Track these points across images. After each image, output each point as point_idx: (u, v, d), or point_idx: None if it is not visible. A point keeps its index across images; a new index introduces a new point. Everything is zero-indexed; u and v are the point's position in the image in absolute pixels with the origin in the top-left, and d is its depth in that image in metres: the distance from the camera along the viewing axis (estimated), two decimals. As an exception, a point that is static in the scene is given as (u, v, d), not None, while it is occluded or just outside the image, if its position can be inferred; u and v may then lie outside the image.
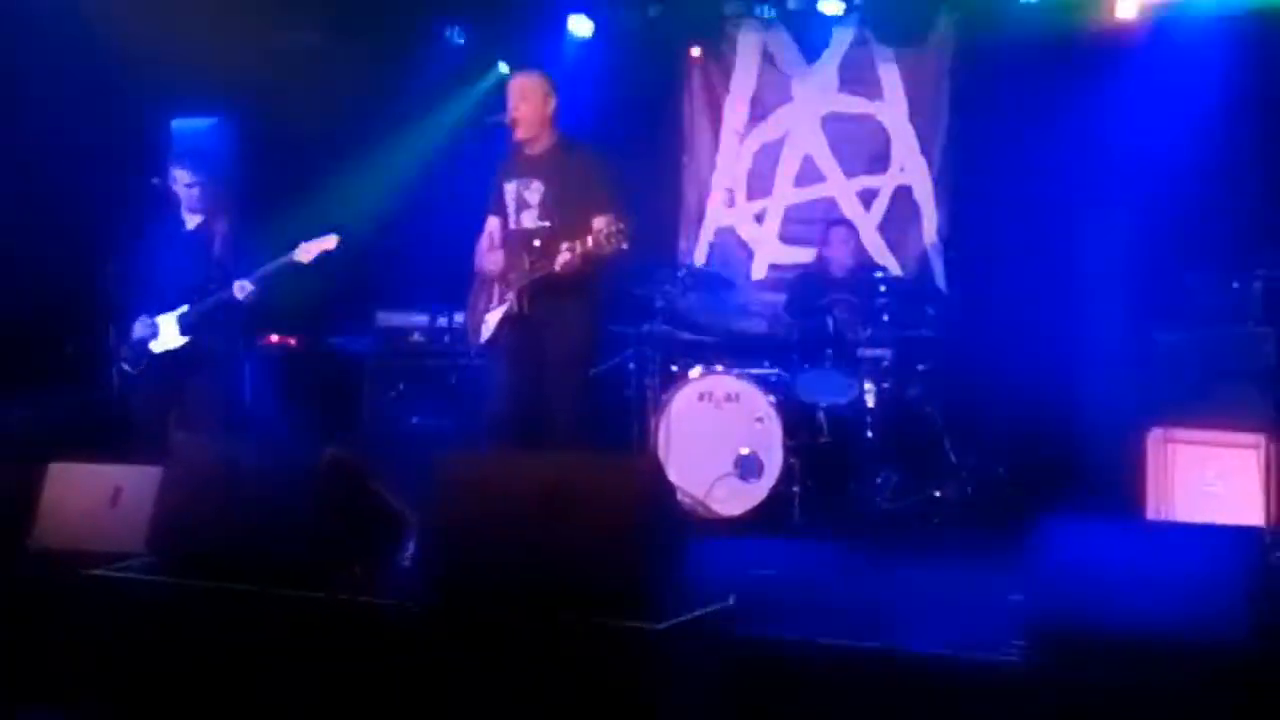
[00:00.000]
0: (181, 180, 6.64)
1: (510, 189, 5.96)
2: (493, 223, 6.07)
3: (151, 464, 5.25)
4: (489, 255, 6.00)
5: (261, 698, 4.51)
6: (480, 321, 6.04)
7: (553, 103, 5.94)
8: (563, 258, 5.64)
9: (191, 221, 6.71)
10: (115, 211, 6.61)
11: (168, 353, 6.59)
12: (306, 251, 6.51)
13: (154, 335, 6.59)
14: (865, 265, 7.72)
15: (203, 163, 6.78)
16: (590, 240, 5.57)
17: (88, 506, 5.41)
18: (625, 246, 5.56)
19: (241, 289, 6.46)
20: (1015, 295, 7.39)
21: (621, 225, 5.56)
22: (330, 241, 6.51)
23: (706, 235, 8.65)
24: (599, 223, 5.59)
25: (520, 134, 5.91)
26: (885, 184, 8.24)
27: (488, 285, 6.03)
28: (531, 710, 4.17)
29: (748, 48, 8.50)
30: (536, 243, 5.80)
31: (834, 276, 7.55)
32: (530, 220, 5.88)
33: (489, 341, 6.00)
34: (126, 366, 6.63)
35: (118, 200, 6.61)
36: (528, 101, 5.89)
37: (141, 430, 6.49)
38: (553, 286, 5.75)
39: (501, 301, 5.96)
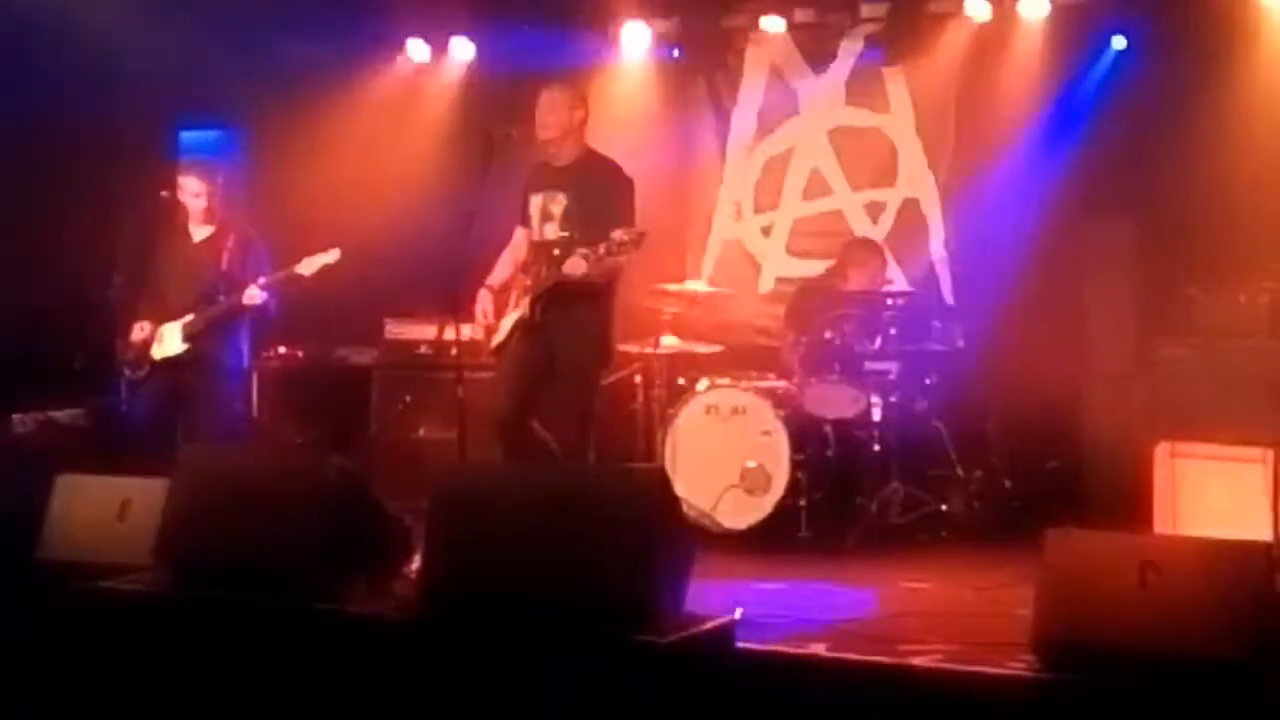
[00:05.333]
0: (189, 190, 6.67)
1: (536, 201, 6.07)
2: (519, 234, 6.17)
3: (158, 476, 5.26)
4: (503, 268, 6.09)
5: (267, 710, 4.51)
6: (496, 329, 6.14)
7: (579, 115, 6.07)
8: (571, 262, 5.72)
9: (200, 234, 6.73)
10: (123, 224, 6.61)
11: (169, 359, 6.61)
12: (309, 265, 6.55)
13: (155, 341, 6.61)
14: (880, 284, 7.70)
15: (210, 174, 6.80)
16: (602, 248, 5.64)
17: (95, 518, 5.41)
18: (627, 255, 5.64)
19: (251, 296, 6.50)
20: (1022, 308, 7.39)
21: (631, 234, 5.62)
22: (332, 256, 6.55)
23: (713, 248, 8.65)
24: (616, 235, 5.68)
25: (541, 138, 6.00)
26: (892, 197, 8.23)
27: (506, 295, 6.12)
28: (537, 724, 4.17)
29: (755, 61, 8.50)
30: (556, 252, 5.89)
31: (844, 291, 7.50)
32: (552, 231, 5.98)
33: (499, 347, 6.07)
34: (128, 371, 6.64)
35: (125, 213, 6.62)
36: (553, 113, 6.00)
37: (143, 436, 6.51)
38: (566, 296, 5.83)
39: (516, 307, 6.03)
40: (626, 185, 6.02)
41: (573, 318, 5.87)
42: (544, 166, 6.10)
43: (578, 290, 5.81)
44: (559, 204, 5.98)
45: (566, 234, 5.89)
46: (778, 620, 4.88)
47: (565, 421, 5.94)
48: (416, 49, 8.79)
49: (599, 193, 5.92)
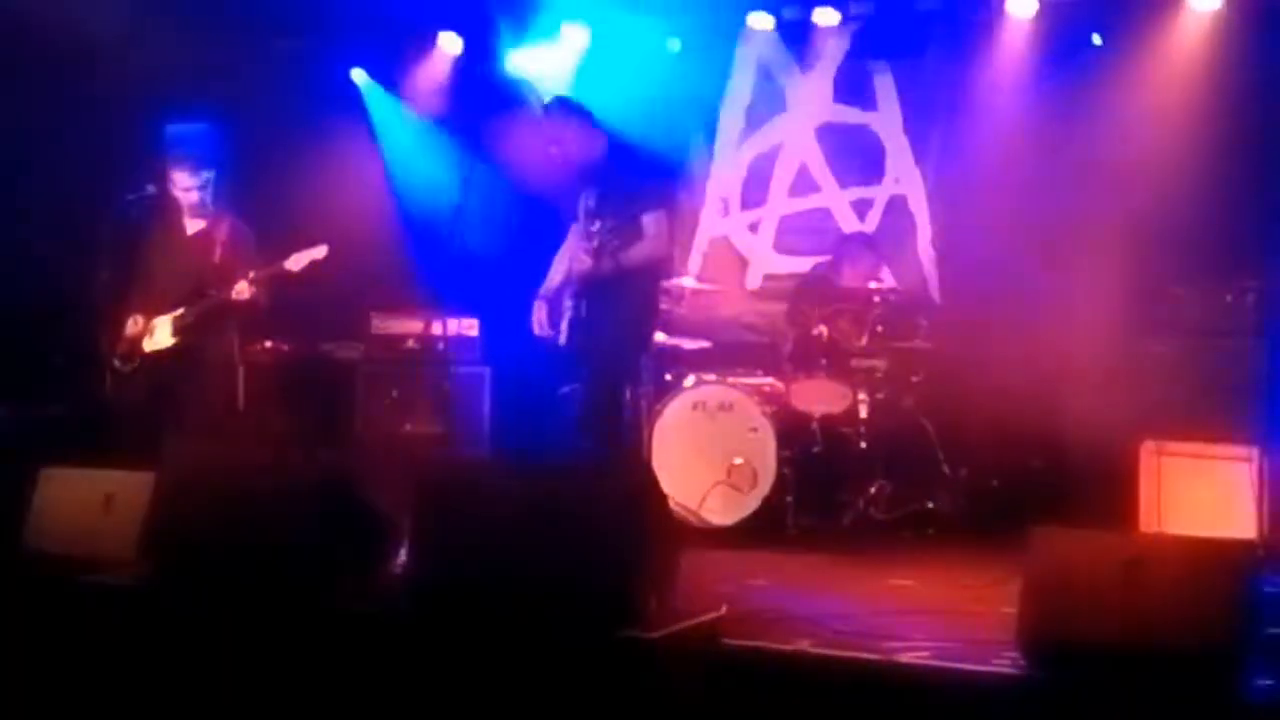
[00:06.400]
0: (180, 184, 6.65)
1: (582, 197, 6.09)
2: (572, 231, 6.28)
3: (144, 470, 5.24)
4: (556, 271, 6.14)
5: (252, 706, 4.51)
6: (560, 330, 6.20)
7: (571, 131, 6.11)
8: (579, 259, 5.78)
9: (193, 227, 6.72)
10: (109, 218, 6.59)
11: (159, 353, 6.59)
12: (297, 261, 6.55)
13: (147, 334, 6.59)
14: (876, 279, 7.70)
15: (203, 166, 6.78)
16: (595, 241, 5.71)
17: (80, 512, 5.40)
18: (618, 243, 5.67)
19: (239, 291, 6.49)
20: (1009, 306, 7.40)
21: (612, 241, 5.67)
22: (320, 252, 6.55)
23: (700, 245, 8.65)
24: (647, 221, 5.74)
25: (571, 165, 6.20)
26: (879, 194, 8.24)
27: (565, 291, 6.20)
28: None
29: (743, 58, 8.50)
30: (585, 246, 5.89)
31: (841, 287, 7.51)
32: (591, 225, 5.98)
33: (566, 344, 6.11)
34: (117, 363, 6.62)
35: (111, 207, 6.59)
36: (559, 145, 6.15)
37: (129, 428, 6.49)
38: (601, 289, 5.84)
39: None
40: (647, 170, 6.10)
41: (605, 308, 5.89)
42: (587, 165, 6.20)
43: (608, 282, 5.82)
44: (593, 197, 6.01)
45: (596, 227, 5.92)
46: (763, 617, 4.88)
47: (592, 404, 5.94)
48: (405, 42, 8.78)
49: (621, 181, 5.93)
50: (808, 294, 7.52)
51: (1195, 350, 6.22)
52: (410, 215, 8.42)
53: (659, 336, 7.29)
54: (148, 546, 4.93)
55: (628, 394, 6.08)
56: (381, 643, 4.42)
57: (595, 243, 5.77)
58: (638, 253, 5.84)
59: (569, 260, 6.14)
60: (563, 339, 6.13)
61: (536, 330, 6.20)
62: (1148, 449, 6.20)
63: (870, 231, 8.10)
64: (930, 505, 7.05)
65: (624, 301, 5.91)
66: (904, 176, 8.18)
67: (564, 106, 6.23)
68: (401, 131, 8.88)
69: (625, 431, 6.03)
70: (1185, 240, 6.85)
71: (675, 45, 8.49)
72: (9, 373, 6.96)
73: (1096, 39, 7.50)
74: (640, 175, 6.01)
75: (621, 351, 6.00)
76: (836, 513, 6.88)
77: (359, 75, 8.95)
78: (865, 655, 4.30)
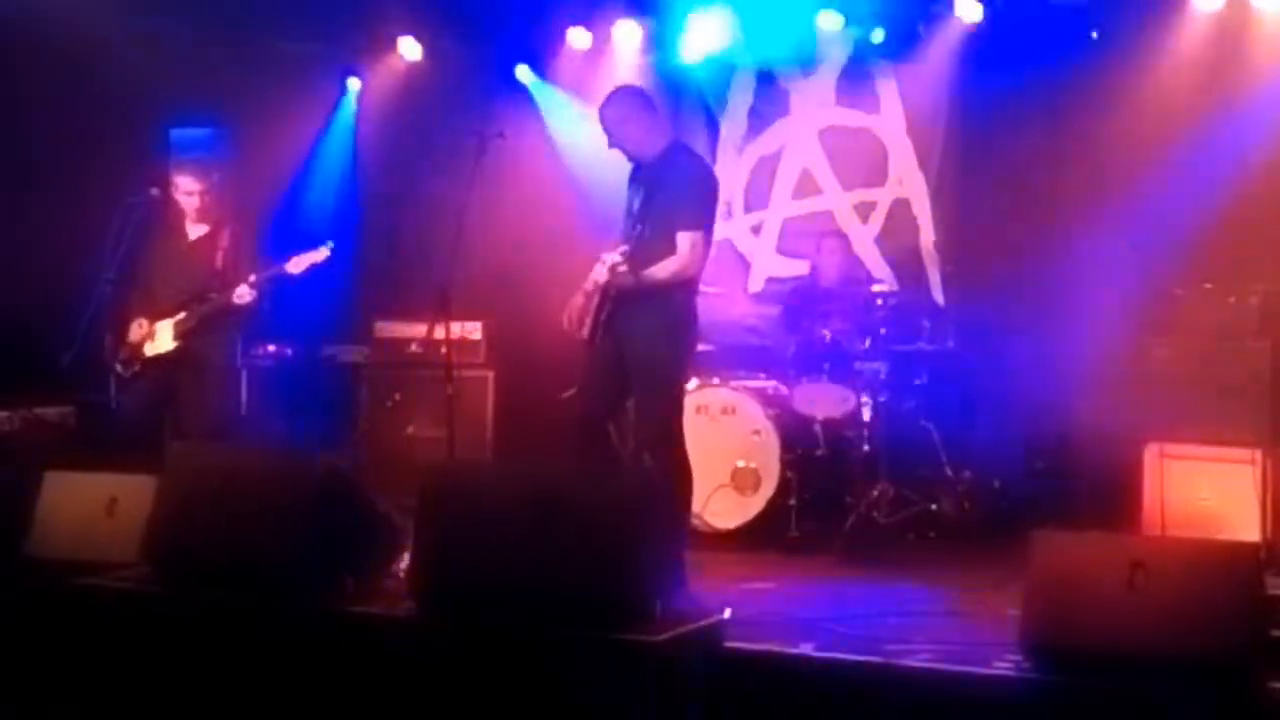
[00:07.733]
0: (183, 189, 6.66)
1: (627, 195, 5.86)
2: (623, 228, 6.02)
3: (147, 473, 5.25)
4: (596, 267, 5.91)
5: (254, 709, 4.50)
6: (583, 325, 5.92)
7: (632, 126, 5.76)
8: (620, 274, 5.59)
9: (195, 232, 6.72)
10: (113, 222, 6.59)
11: (161, 357, 6.60)
12: (298, 263, 6.55)
13: (149, 338, 6.60)
14: (859, 278, 7.71)
15: (205, 172, 6.79)
16: (619, 257, 5.55)
17: (83, 515, 5.41)
18: (629, 282, 5.54)
19: (240, 294, 6.50)
20: (1012, 309, 7.40)
21: (621, 263, 5.55)
22: (321, 254, 6.55)
23: (703, 247, 8.62)
24: (681, 240, 5.56)
25: (627, 156, 5.88)
26: (882, 197, 8.23)
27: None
28: (526, 723, 4.17)
29: (745, 60, 8.49)
30: (624, 249, 5.67)
31: (825, 289, 7.54)
32: (631, 228, 5.77)
33: (589, 339, 5.82)
34: (119, 368, 6.63)
35: (114, 211, 6.60)
36: (614, 137, 5.81)
37: (132, 433, 6.49)
38: (630, 299, 5.63)
39: None
40: (695, 186, 5.72)
41: (636, 317, 5.64)
42: (639, 163, 5.88)
43: (638, 295, 5.60)
44: (638, 200, 5.79)
45: (638, 231, 5.71)
46: (766, 620, 4.88)
47: (643, 425, 5.77)
48: (408, 47, 8.79)
49: (667, 191, 5.70)
50: (794, 306, 7.52)
51: (1199, 352, 6.22)
52: (415, 218, 8.43)
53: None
54: (150, 549, 4.93)
55: (668, 404, 5.79)
56: (384, 645, 4.42)
57: (613, 259, 5.55)
58: (661, 271, 5.57)
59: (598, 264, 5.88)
60: (585, 334, 5.88)
61: (565, 325, 5.93)
62: (1152, 451, 6.19)
63: (867, 235, 8.11)
64: (933, 508, 7.04)
65: (649, 311, 5.69)
66: (907, 179, 8.17)
67: (630, 96, 5.92)
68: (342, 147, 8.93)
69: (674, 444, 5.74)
70: (1189, 242, 6.84)
71: (688, 48, 8.45)
72: (11, 376, 6.96)
73: (1094, 34, 7.50)
74: (689, 189, 5.72)
75: (654, 362, 5.75)
76: (840, 516, 6.87)
77: (354, 84, 8.96)
78: (868, 658, 4.30)
